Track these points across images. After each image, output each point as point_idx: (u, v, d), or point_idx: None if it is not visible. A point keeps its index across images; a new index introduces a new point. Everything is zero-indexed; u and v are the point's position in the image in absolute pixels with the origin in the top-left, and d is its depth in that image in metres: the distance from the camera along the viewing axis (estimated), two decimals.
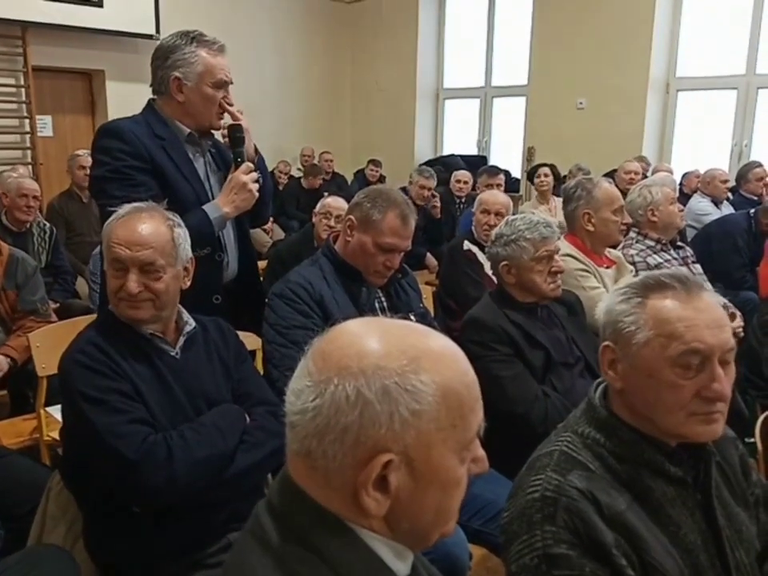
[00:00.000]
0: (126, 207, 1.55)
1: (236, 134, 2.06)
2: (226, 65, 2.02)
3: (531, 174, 5.42)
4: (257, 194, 2.01)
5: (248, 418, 1.58)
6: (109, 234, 1.50)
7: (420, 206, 5.04)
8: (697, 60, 6.48)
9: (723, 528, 1.12)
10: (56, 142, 6.40)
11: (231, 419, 1.54)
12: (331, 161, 7.45)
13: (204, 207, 1.94)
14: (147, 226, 1.50)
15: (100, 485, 1.45)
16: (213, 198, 2.02)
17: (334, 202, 3.38)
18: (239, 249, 2.18)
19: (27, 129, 6.05)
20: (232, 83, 2.05)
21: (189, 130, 2.03)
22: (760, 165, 5.05)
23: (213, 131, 2.12)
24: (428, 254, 5.15)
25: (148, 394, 1.47)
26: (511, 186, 6.66)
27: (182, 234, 1.56)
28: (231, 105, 2.04)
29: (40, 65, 6.02)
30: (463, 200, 5.64)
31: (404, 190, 5.12)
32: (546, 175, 5.25)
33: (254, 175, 2.01)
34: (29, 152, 6.08)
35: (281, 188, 7.01)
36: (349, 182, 7.48)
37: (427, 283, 3.87)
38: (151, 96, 2.07)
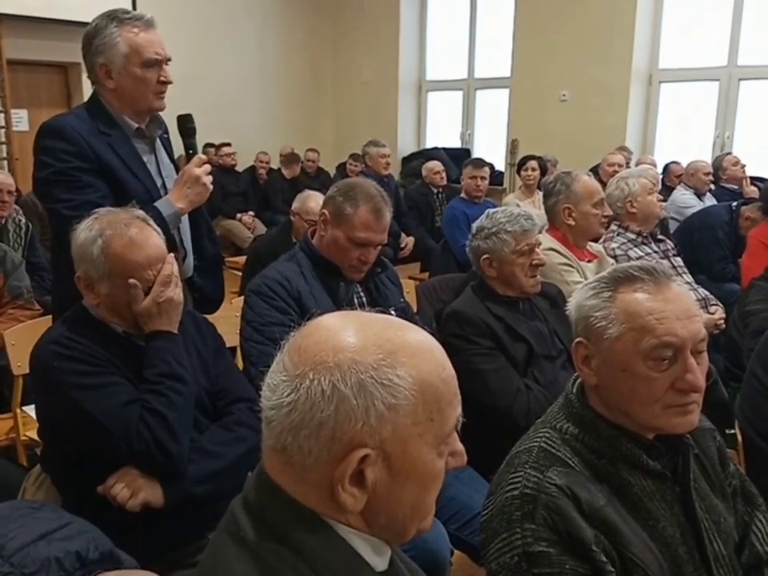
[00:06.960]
0: (114, 221, 1.47)
1: (187, 124, 1.98)
2: (156, 40, 1.86)
3: (520, 165, 5.41)
4: (210, 187, 1.93)
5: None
6: (121, 257, 1.44)
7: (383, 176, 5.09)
8: (679, 52, 6.51)
9: (702, 520, 1.12)
10: (32, 137, 6.17)
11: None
12: (314, 161, 7.23)
13: (156, 204, 1.84)
14: (154, 242, 1.49)
15: (88, 482, 1.42)
16: (166, 193, 1.92)
17: (318, 207, 3.17)
18: (194, 242, 2.07)
19: (2, 123, 5.94)
20: (169, 60, 1.90)
21: (136, 125, 1.92)
22: (729, 153, 5.23)
23: (159, 116, 1.99)
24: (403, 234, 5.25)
25: None
26: (495, 178, 6.66)
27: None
28: (169, 83, 1.89)
29: (15, 58, 5.91)
30: (441, 191, 5.61)
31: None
32: (533, 169, 5.24)
33: (207, 167, 1.92)
34: (4, 147, 5.99)
35: (261, 181, 6.96)
36: (332, 177, 7.44)
37: (410, 277, 3.86)
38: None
